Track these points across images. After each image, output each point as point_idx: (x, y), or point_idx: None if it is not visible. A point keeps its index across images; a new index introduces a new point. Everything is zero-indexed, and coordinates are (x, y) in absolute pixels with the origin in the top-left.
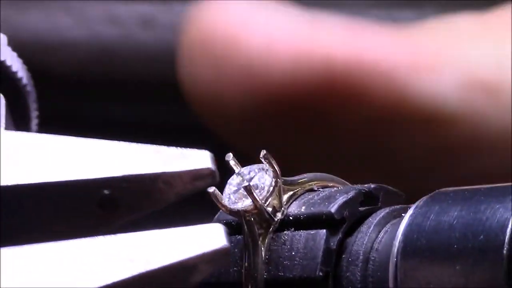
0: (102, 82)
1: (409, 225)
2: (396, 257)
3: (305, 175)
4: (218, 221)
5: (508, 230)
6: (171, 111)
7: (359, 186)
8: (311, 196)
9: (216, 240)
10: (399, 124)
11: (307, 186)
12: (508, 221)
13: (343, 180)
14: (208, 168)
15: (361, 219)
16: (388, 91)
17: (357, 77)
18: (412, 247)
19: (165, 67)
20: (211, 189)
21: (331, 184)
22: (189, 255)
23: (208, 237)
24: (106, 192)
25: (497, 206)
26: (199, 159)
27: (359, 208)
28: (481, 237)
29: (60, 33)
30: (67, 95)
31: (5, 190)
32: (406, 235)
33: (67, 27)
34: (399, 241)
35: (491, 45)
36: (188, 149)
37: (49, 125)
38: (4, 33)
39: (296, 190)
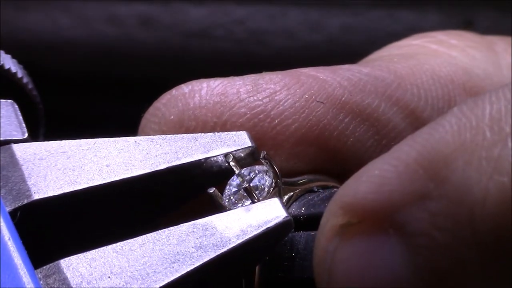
0: (102, 82)
1: None
2: None
3: (305, 175)
4: None
5: None
6: None
7: None
8: (311, 197)
9: (276, 214)
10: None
11: (308, 187)
12: None
13: None
14: (249, 147)
15: None
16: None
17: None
18: None
19: (165, 67)
20: (211, 190)
21: (332, 185)
22: (254, 233)
23: (268, 213)
24: (151, 187)
25: None
26: (238, 139)
27: None
28: None
29: (60, 33)
30: (68, 95)
31: (60, 198)
32: None
33: (67, 27)
34: None
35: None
36: (223, 132)
37: (49, 125)
38: (4, 33)
39: (296, 191)
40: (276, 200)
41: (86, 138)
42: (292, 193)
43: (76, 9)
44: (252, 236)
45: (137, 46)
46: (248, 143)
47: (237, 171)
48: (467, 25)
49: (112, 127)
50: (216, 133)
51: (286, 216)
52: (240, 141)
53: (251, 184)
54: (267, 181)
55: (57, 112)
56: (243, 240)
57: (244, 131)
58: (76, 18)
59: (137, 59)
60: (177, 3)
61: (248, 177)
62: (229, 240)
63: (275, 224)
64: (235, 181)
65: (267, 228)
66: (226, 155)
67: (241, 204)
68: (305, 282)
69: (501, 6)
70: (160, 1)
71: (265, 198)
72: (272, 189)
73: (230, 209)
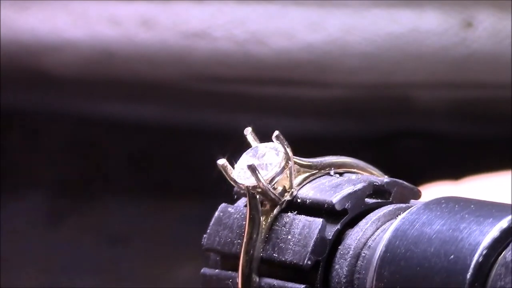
0: (102, 82)
1: (395, 231)
2: (377, 261)
3: (326, 158)
4: (237, 192)
5: (476, 255)
6: (171, 111)
7: (373, 178)
8: (324, 181)
9: None
10: None
11: (326, 169)
12: (478, 246)
13: (369, 166)
14: None
15: (368, 211)
16: None
17: None
18: (392, 254)
19: (165, 67)
20: (221, 161)
21: (354, 170)
22: None
23: None
24: None
25: (475, 228)
26: None
27: (368, 201)
28: (452, 257)
29: (60, 33)
30: (67, 95)
31: None
32: (390, 240)
33: (67, 27)
34: (383, 245)
35: None
36: None
37: (49, 125)
38: (4, 33)
39: (313, 172)
40: None
41: (86, 137)
42: (308, 174)
43: (76, 9)
44: None
45: (137, 46)
46: None
47: (254, 145)
48: (467, 25)
49: (111, 127)
50: None
51: None
52: None
53: (264, 159)
54: (275, 160)
55: (56, 112)
56: None
57: None
58: (76, 18)
59: (137, 59)
60: (177, 3)
61: (261, 152)
62: None
63: None
64: (249, 154)
65: None
66: (245, 128)
67: (249, 179)
68: (294, 268)
69: (501, 6)
70: (160, 1)
71: (271, 177)
72: (279, 169)
73: (237, 184)
